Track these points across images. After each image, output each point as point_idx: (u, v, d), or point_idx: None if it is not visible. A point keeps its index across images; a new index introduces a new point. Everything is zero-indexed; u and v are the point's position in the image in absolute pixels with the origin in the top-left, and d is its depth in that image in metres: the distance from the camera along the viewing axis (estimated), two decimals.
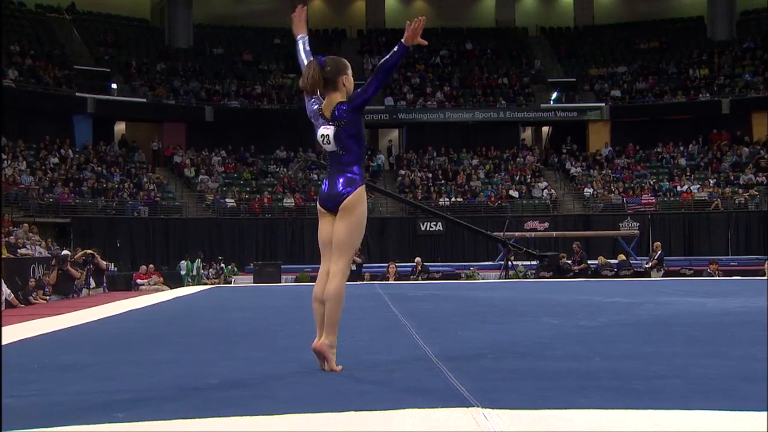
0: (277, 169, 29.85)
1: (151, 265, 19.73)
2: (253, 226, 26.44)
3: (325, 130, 3.89)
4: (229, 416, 2.74)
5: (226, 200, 27.09)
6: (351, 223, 3.84)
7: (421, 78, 33.11)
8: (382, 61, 3.92)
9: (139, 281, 18.61)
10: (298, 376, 3.66)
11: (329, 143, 3.90)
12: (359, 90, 3.92)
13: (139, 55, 32.34)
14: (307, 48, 4.26)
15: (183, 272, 22.23)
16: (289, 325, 6.43)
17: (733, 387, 3.28)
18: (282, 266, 19.92)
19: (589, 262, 19.24)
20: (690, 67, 32.49)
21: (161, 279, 18.97)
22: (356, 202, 3.84)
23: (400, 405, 2.83)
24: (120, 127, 31.10)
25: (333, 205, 3.87)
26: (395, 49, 3.92)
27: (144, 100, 29.47)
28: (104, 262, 16.95)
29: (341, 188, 3.84)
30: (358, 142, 3.92)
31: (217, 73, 32.51)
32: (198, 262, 22.38)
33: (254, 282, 17.76)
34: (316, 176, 28.36)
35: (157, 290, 15.93)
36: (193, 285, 18.94)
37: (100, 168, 27.15)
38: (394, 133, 33.30)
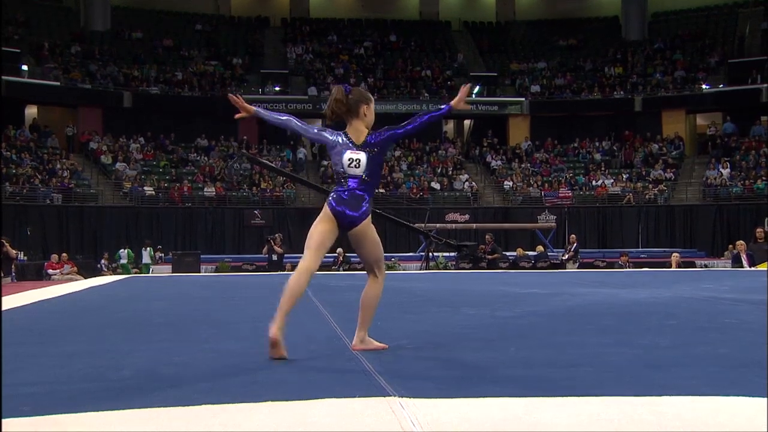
0: (198, 158, 29.30)
1: (65, 254, 19.07)
2: (172, 215, 25.91)
3: (355, 155, 4.08)
4: (141, 408, 2.68)
5: (145, 188, 26.44)
6: (371, 242, 4.13)
7: (344, 68, 33.04)
8: (427, 114, 4.13)
9: (50, 271, 17.97)
10: (216, 367, 3.60)
11: (358, 167, 4.06)
12: (391, 128, 4.14)
13: (52, 37, 31.11)
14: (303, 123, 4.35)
15: (124, 261, 21.64)
16: (207, 316, 6.33)
17: (641, 374, 3.40)
18: (201, 256, 19.59)
19: (507, 253, 19.65)
20: (605, 65, 33.52)
21: (75, 269, 18.35)
22: (367, 227, 4.10)
23: (318, 395, 2.82)
24: (31, 111, 29.88)
25: (348, 225, 4.07)
26: (441, 107, 4.15)
27: (57, 83, 28.38)
28: (13, 251, 16.29)
29: (360, 212, 4.05)
30: (380, 171, 4.20)
31: (136, 58, 31.62)
32: (150, 250, 21.95)
33: (173, 272, 17.41)
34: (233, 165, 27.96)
35: (71, 280, 15.40)
36: (142, 273, 18.62)
37: (9, 153, 26.03)
38: (317, 124, 33.12)
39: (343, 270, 17.51)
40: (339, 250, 18.59)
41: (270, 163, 21.71)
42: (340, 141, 4.14)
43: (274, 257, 18.19)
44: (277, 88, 31.72)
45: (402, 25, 36.48)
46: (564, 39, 35.50)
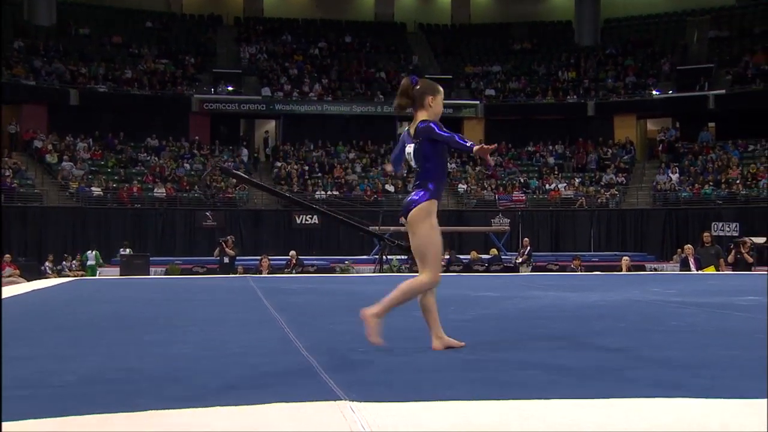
0: (148, 158, 28.87)
1: (7, 256, 18.58)
2: (121, 216, 25.48)
3: (409, 148, 4.15)
4: (85, 414, 2.63)
5: (92, 189, 25.95)
6: (418, 237, 4.08)
7: (299, 69, 32.92)
8: (458, 135, 4.05)
9: None
10: (163, 372, 3.56)
11: (412, 159, 4.15)
12: (440, 130, 4.05)
13: None
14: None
15: (91, 262, 21.20)
16: (156, 319, 6.23)
17: (590, 377, 3.47)
18: (151, 258, 19.29)
19: (461, 256, 19.79)
20: (559, 69, 34.04)
21: (17, 271, 17.88)
22: (418, 218, 4.06)
23: (268, 399, 2.80)
24: None
25: (404, 214, 4.14)
26: (467, 143, 4.03)
27: None
28: None
29: (411, 200, 4.11)
30: (432, 161, 4.11)
31: (83, 55, 31.01)
32: (96, 253, 21.58)
33: (121, 274, 17.10)
34: (185, 165, 27.64)
35: (12, 283, 15.01)
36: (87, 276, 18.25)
37: None
38: (271, 124, 32.97)
39: (296, 272, 17.42)
40: (292, 252, 18.49)
41: (245, 176, 21.50)
42: (404, 135, 4.27)
43: (226, 259, 18.01)
44: (229, 88, 31.45)
45: (357, 26, 36.51)
46: (518, 43, 35.94)
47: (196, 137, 30.12)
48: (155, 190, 26.65)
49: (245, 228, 25.88)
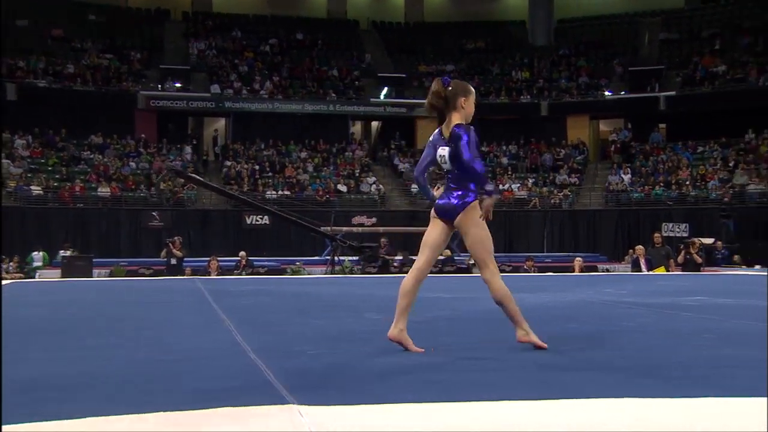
0: (92, 156, 28.31)
1: None
2: (63, 216, 24.94)
3: (443, 151, 4.21)
4: (22, 422, 2.57)
5: (31, 187, 25.35)
6: (472, 236, 4.21)
7: (249, 66, 32.66)
8: (479, 167, 4.10)
9: None
10: (105, 376, 3.50)
11: (446, 163, 4.20)
12: (467, 151, 4.09)
13: None
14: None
15: (38, 263, 20.66)
16: (97, 323, 6.12)
17: (540, 377, 3.52)
18: (94, 260, 18.93)
19: (414, 258, 19.87)
20: (513, 69, 34.42)
21: None
22: (470, 220, 4.18)
23: (214, 404, 2.78)
24: None
25: (449, 218, 4.23)
26: (485, 184, 4.14)
27: None
28: None
29: (453, 204, 4.20)
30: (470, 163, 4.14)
31: (22, 48, 30.24)
32: (44, 254, 21.08)
33: (62, 276, 16.74)
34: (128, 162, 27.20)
35: None
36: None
37: None
38: (220, 123, 32.64)
39: (246, 274, 17.28)
40: (242, 253, 18.34)
41: (203, 179, 21.25)
42: (434, 138, 4.30)
43: (173, 261, 17.77)
44: (177, 85, 31.03)
45: (309, 23, 36.37)
46: (472, 42, 36.22)
47: (143, 135, 29.64)
48: (99, 189, 26.16)
49: (193, 228, 25.57)
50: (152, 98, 30.21)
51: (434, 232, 4.32)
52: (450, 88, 4.24)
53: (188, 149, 29.57)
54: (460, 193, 4.19)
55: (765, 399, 2.83)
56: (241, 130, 31.00)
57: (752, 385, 3.26)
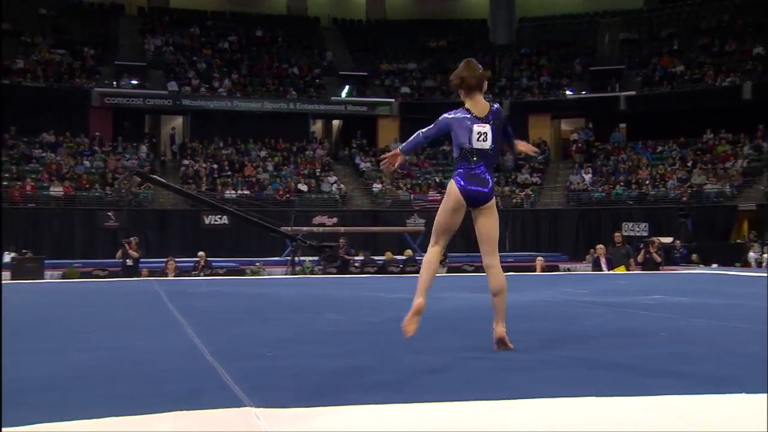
0: (43, 154, 27.81)
1: None
2: (12, 216, 24.44)
3: (482, 128, 4.27)
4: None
5: None
6: (496, 218, 4.36)
7: (207, 63, 32.38)
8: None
9: None
10: (57, 380, 3.46)
11: (486, 140, 4.26)
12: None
13: None
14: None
15: None
16: (47, 326, 6.03)
17: (500, 378, 3.57)
18: (47, 261, 18.59)
19: (375, 258, 19.92)
20: None
21: None
22: (494, 205, 4.35)
23: (168, 408, 2.77)
24: None
25: (480, 202, 4.26)
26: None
27: None
28: None
29: (490, 187, 4.28)
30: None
31: None
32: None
33: (12, 278, 16.42)
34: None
35: None
36: None
37: None
38: (178, 121, 32.29)
39: (204, 275, 17.15)
40: (201, 253, 18.18)
41: (165, 182, 20.93)
42: (462, 116, 4.32)
43: (129, 262, 17.54)
44: (133, 82, 30.62)
45: (269, 20, 36.16)
46: (434, 40, 36.37)
47: (97, 133, 29.19)
48: (51, 188, 25.71)
49: (150, 229, 25.26)
50: (107, 95, 29.78)
51: (451, 214, 4.35)
52: (481, 71, 4.45)
53: (144, 148, 29.20)
54: (489, 178, 4.29)
55: (717, 396, 2.92)
56: (199, 129, 30.71)
57: (704, 382, 3.35)
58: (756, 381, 3.36)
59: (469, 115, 4.33)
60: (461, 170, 4.28)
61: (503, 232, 27.69)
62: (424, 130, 4.46)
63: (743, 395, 2.96)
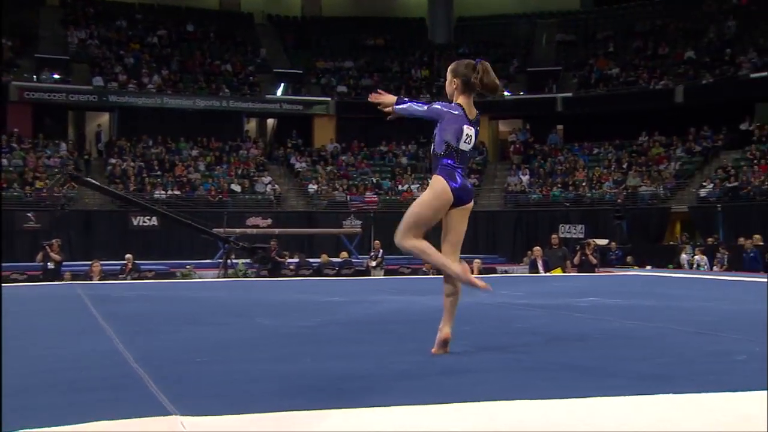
0: None
1: None
2: None
3: (470, 131, 4.30)
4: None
5: None
6: (467, 221, 4.47)
7: (135, 58, 31.75)
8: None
9: None
10: None
11: (469, 143, 4.31)
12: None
13: None
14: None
15: None
16: None
17: (434, 381, 3.59)
18: None
19: (311, 260, 19.87)
20: (412, 67, 34.85)
21: None
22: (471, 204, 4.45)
23: (89, 417, 2.70)
24: None
25: (464, 201, 4.34)
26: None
27: None
28: None
29: (468, 184, 4.38)
30: None
31: None
32: None
33: None
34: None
35: None
36: None
37: None
38: (104, 117, 31.59)
39: (132, 278, 16.82)
40: (128, 256, 17.83)
41: (99, 184, 20.36)
42: (457, 113, 4.30)
43: (51, 265, 17.08)
44: (55, 77, 29.81)
45: (200, 15, 35.69)
46: (371, 38, 36.45)
47: (15, 129, 28.31)
48: None
49: (74, 230, 24.62)
50: (26, 90, 28.93)
51: (443, 214, 4.42)
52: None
53: (63, 146, 28.43)
54: (467, 178, 4.39)
55: (648, 397, 3.00)
56: (127, 126, 30.09)
57: (636, 383, 3.44)
58: (687, 380, 3.47)
59: (460, 112, 4.34)
60: (447, 168, 4.30)
61: (439, 233, 28.02)
62: (416, 107, 4.45)
63: (673, 395, 3.05)
